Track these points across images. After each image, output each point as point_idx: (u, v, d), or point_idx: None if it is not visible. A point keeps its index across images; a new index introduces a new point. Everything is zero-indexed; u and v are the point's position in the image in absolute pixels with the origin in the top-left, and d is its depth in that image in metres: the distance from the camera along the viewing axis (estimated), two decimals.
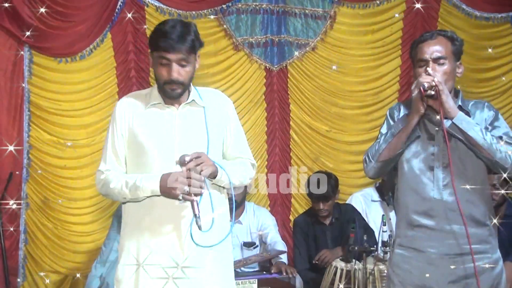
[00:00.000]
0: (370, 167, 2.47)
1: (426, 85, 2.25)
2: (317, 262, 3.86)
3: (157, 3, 4.58)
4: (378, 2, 4.90)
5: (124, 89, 4.56)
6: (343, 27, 4.92)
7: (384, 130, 2.53)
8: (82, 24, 4.37)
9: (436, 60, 2.33)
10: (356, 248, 3.41)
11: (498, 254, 2.43)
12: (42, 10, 4.12)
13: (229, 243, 2.42)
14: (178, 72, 2.18)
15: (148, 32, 4.57)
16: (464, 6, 4.95)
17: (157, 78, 2.24)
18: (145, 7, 4.57)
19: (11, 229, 4.28)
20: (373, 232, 3.92)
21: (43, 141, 4.40)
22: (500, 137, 2.31)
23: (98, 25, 4.42)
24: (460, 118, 2.28)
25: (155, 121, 2.27)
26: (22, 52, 4.29)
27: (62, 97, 4.44)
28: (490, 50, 4.78)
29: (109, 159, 2.29)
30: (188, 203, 2.15)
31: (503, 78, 4.92)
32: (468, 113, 2.36)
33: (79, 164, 4.47)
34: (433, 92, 2.26)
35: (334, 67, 4.83)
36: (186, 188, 2.08)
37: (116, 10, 4.48)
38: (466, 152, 2.35)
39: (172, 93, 2.22)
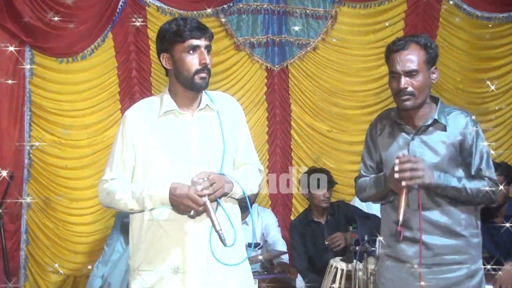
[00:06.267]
0: (359, 198, 2.66)
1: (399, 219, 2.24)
2: (327, 243, 3.88)
3: (158, 3, 4.58)
4: (379, 2, 4.90)
5: (125, 89, 4.57)
6: (344, 27, 4.92)
7: (364, 152, 2.61)
8: (83, 24, 4.36)
9: (408, 73, 2.32)
10: (357, 248, 3.42)
11: (478, 265, 2.41)
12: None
13: (247, 262, 2.36)
14: (209, 59, 2.18)
15: (150, 32, 4.58)
16: (465, 6, 4.94)
17: (184, 71, 2.18)
18: (146, 7, 4.57)
19: (14, 223, 4.29)
20: (376, 217, 3.91)
21: (44, 141, 4.39)
22: (480, 169, 2.35)
23: (99, 25, 4.42)
24: (436, 185, 2.29)
25: (170, 130, 2.21)
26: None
27: (63, 97, 4.43)
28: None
29: (115, 168, 2.21)
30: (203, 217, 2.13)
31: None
32: (445, 127, 2.36)
33: (80, 165, 4.47)
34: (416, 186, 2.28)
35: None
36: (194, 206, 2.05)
37: (117, 10, 4.48)
38: (448, 163, 2.36)
39: (203, 82, 2.18)
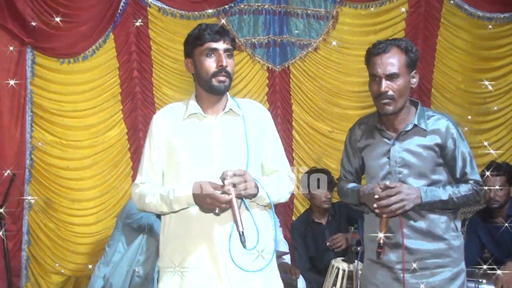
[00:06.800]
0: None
1: (380, 242, 2.29)
2: (328, 244, 3.88)
3: (159, 4, 4.58)
4: (380, 2, 4.90)
5: (126, 90, 4.57)
6: (345, 28, 4.92)
7: (343, 157, 2.63)
8: (84, 24, 4.36)
9: (388, 77, 2.32)
10: (358, 248, 3.42)
11: (460, 267, 2.42)
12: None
13: (276, 267, 2.33)
14: (226, 61, 2.19)
15: (151, 33, 4.58)
16: (466, 6, 4.95)
17: (203, 74, 2.21)
18: (148, 8, 4.57)
19: (16, 224, 4.28)
20: None
21: (46, 142, 4.39)
22: (465, 173, 2.37)
23: (100, 26, 4.41)
24: (424, 203, 2.31)
25: (193, 132, 2.22)
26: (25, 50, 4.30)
27: (64, 98, 4.43)
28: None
29: (145, 172, 2.26)
30: (228, 216, 2.11)
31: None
32: (425, 131, 2.37)
33: (82, 165, 4.46)
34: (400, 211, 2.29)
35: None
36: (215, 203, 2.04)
37: (119, 10, 4.48)
38: (430, 167, 2.37)
39: (221, 86, 2.20)
